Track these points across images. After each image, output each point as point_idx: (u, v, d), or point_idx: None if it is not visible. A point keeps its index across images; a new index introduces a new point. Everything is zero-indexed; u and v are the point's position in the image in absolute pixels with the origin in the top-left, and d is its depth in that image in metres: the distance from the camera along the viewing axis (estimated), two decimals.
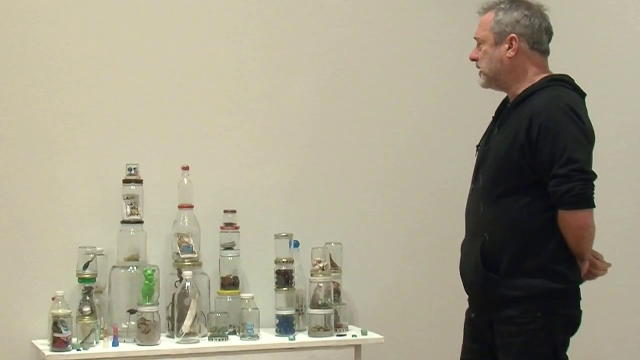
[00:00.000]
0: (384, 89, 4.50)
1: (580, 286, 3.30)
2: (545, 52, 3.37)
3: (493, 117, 3.48)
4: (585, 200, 3.17)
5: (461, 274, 3.42)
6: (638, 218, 3.98)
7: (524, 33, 3.32)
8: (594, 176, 3.19)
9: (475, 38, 3.42)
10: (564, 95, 3.27)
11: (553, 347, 3.23)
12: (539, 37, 3.34)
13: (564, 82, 3.32)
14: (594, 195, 3.19)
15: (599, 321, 3.89)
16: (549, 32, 3.37)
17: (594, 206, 3.19)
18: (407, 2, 4.54)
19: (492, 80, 3.39)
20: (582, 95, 3.33)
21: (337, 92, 4.43)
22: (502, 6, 3.36)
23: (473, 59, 3.42)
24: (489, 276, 3.27)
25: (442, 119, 4.55)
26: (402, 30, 4.52)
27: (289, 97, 4.35)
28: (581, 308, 3.29)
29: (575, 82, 3.34)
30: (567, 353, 3.28)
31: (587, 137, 3.23)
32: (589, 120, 3.26)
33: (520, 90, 3.33)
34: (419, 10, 4.55)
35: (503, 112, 3.41)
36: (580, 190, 3.15)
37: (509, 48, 3.32)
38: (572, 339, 3.29)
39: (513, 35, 3.32)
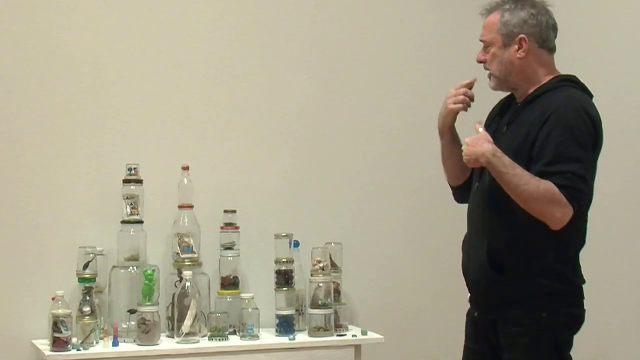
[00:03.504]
0: (384, 89, 4.50)
1: (583, 286, 3.30)
2: (553, 50, 3.35)
3: (497, 115, 3.46)
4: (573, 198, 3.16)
5: (464, 273, 3.41)
6: (639, 217, 3.98)
7: (532, 32, 3.30)
8: (586, 184, 3.18)
9: (481, 40, 3.38)
10: (579, 97, 3.26)
11: (558, 347, 3.23)
12: (547, 35, 3.32)
13: (574, 83, 3.32)
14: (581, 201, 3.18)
15: (601, 320, 3.89)
16: (555, 29, 3.35)
17: (575, 208, 3.16)
18: (404, 2, 4.54)
19: (502, 82, 3.36)
20: (590, 96, 3.33)
21: (337, 93, 4.43)
22: (507, 6, 3.32)
23: (480, 62, 3.39)
24: (494, 276, 3.26)
25: None
26: (400, 31, 4.52)
27: (289, 97, 4.36)
28: (584, 307, 3.29)
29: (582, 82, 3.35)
30: (571, 352, 3.29)
31: (594, 144, 3.23)
32: (601, 125, 3.26)
33: (531, 90, 3.32)
34: (416, 10, 4.55)
35: (511, 111, 3.39)
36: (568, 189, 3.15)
37: (519, 49, 3.30)
38: (575, 339, 3.29)
39: (522, 35, 3.29)
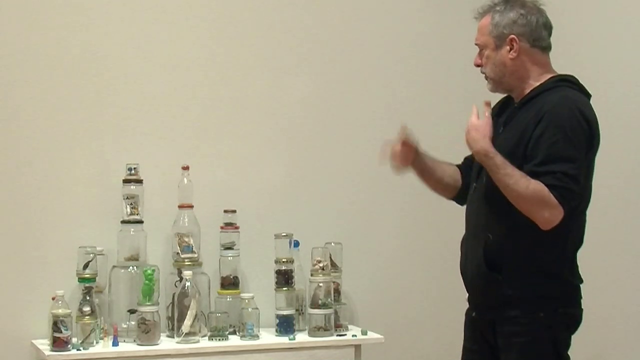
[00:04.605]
0: (384, 89, 4.50)
1: (581, 286, 3.30)
2: (547, 48, 3.36)
3: (495, 115, 3.46)
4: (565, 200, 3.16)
5: (462, 273, 3.42)
6: (638, 217, 3.98)
7: (522, 32, 3.31)
8: (577, 185, 3.18)
9: (476, 44, 3.40)
10: (574, 98, 3.26)
11: (556, 346, 3.24)
12: (538, 34, 3.33)
13: (571, 83, 3.32)
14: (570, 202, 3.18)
15: (600, 320, 3.89)
16: (547, 27, 3.36)
17: (565, 208, 3.16)
18: (403, 2, 4.54)
19: (498, 84, 3.37)
20: (588, 96, 3.33)
21: (337, 93, 4.43)
22: (497, 8, 3.35)
23: (477, 65, 3.40)
24: (492, 276, 3.26)
25: (443, 119, 4.55)
26: (399, 31, 4.53)
27: (289, 97, 4.36)
28: (582, 307, 3.29)
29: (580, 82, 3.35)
30: (569, 352, 3.29)
31: (587, 144, 3.23)
32: (597, 126, 3.26)
33: (527, 90, 3.33)
34: (416, 10, 4.55)
35: (508, 111, 3.40)
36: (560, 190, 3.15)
37: (511, 49, 3.31)
38: (574, 339, 3.29)
39: (512, 36, 3.31)
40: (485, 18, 3.37)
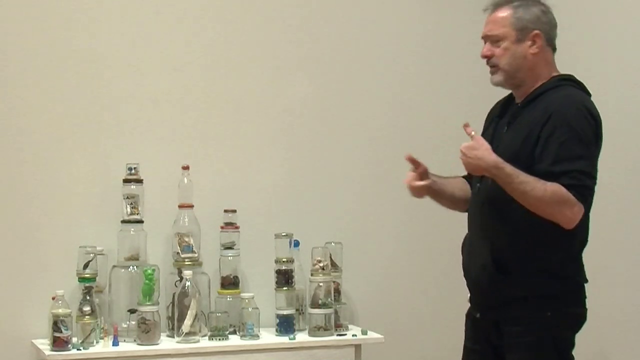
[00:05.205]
0: (385, 88, 4.50)
1: (585, 285, 3.30)
2: (555, 49, 3.36)
3: (497, 116, 3.45)
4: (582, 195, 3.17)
5: (466, 273, 3.41)
6: (639, 217, 3.98)
7: (544, 29, 3.30)
8: (592, 181, 3.20)
9: (488, 35, 3.34)
10: (579, 96, 3.27)
11: (560, 346, 3.24)
12: (554, 34, 3.33)
13: (573, 82, 3.32)
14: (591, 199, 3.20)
15: (603, 320, 3.88)
16: (556, 28, 3.36)
17: (585, 205, 3.18)
18: (404, 3, 4.54)
19: (510, 78, 3.32)
20: (589, 95, 3.33)
21: (337, 92, 4.43)
22: (517, 3, 3.31)
23: (486, 57, 3.35)
24: (497, 276, 3.26)
25: (444, 118, 4.55)
26: (399, 30, 4.52)
27: (289, 97, 4.36)
28: (586, 306, 3.30)
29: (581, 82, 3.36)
30: (572, 352, 3.30)
31: (596, 140, 3.24)
32: (601, 124, 3.26)
33: (532, 89, 3.32)
34: (416, 8, 4.55)
35: (511, 111, 3.39)
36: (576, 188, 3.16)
37: (532, 45, 3.30)
38: (577, 338, 3.29)
39: (537, 31, 3.29)
40: (504, 10, 3.31)
